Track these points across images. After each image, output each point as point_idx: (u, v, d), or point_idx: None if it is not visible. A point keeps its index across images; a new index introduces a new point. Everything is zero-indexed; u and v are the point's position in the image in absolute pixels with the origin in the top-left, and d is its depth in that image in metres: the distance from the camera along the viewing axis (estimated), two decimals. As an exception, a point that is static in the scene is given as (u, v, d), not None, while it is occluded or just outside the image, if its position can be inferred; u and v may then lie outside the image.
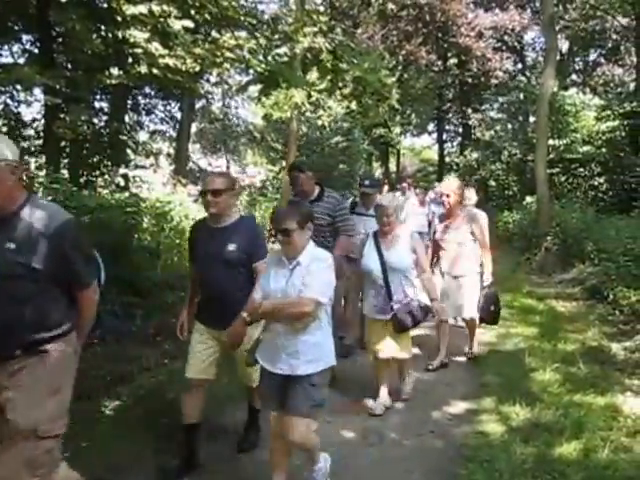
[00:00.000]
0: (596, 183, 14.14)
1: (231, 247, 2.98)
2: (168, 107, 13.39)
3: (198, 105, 16.25)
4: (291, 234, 2.59)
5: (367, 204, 5.21)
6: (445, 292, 4.83)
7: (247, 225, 3.12)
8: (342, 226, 4.37)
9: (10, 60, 7.68)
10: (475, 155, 19.06)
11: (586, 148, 14.52)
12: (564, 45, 21.33)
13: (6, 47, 7.65)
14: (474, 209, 5.52)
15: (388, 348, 3.88)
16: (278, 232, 2.62)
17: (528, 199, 13.75)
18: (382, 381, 4.08)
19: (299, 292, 2.58)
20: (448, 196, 4.83)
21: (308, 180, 4.30)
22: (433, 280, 4.04)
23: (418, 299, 3.82)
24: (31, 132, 7.49)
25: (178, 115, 13.79)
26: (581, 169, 14.51)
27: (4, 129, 6.70)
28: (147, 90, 11.12)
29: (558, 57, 17.08)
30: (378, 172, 30.71)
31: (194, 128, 17.10)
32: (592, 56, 22.55)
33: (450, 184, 4.98)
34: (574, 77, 21.81)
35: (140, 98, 11.37)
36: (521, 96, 17.03)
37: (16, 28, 6.94)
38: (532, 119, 16.83)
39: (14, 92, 7.16)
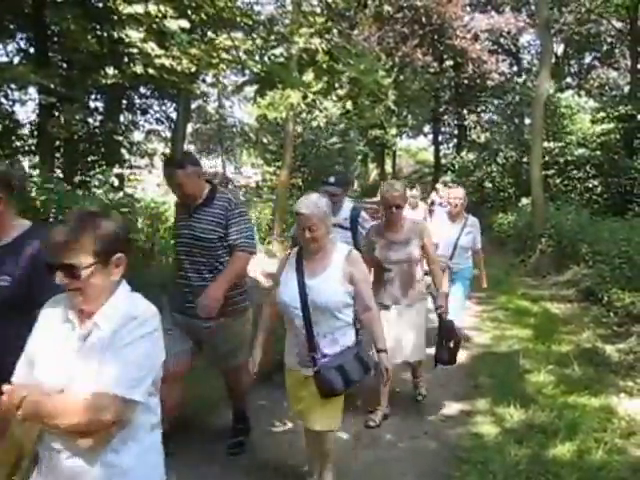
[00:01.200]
0: (591, 185, 14.19)
1: None
2: (163, 107, 13.34)
3: (194, 105, 16.22)
4: (81, 274, 1.49)
5: (333, 209, 4.29)
6: (392, 330, 3.58)
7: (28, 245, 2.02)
8: (237, 239, 3.03)
9: (5, 59, 7.66)
10: (471, 157, 19.10)
11: (581, 150, 14.57)
12: (559, 48, 21.43)
13: (1, 46, 7.62)
14: (418, 219, 5.07)
15: (311, 415, 2.72)
16: (58, 269, 1.50)
17: (524, 201, 13.78)
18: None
19: (93, 381, 1.47)
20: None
21: (190, 178, 3.02)
22: (381, 322, 2.81)
23: (357, 348, 2.69)
24: (25, 131, 7.44)
25: (173, 115, 13.75)
26: (576, 171, 14.56)
27: (-2, 128, 6.67)
28: (142, 90, 11.08)
29: (553, 60, 17.15)
30: (374, 173, 30.78)
31: (189, 128, 17.06)
32: (587, 59, 22.69)
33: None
34: (569, 80, 21.89)
35: (135, 98, 11.33)
36: (517, 98, 17.08)
37: (11, 27, 6.90)
38: (527, 121, 16.89)
39: (8, 91, 7.11)
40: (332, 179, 4.12)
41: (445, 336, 3.88)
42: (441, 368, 4.13)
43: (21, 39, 7.61)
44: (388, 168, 32.24)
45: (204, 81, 11.92)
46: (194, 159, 3.18)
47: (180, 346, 3.02)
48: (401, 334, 3.72)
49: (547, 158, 13.73)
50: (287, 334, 2.79)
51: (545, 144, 13.17)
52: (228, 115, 20.47)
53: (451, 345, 3.90)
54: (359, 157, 18.96)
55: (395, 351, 3.54)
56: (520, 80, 18.84)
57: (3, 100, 7.11)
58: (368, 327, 2.72)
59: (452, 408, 4.15)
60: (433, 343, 3.97)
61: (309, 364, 2.61)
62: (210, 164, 19.97)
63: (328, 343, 2.63)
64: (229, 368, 3.28)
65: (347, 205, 4.15)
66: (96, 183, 7.96)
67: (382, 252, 3.74)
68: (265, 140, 15.65)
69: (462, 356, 5.40)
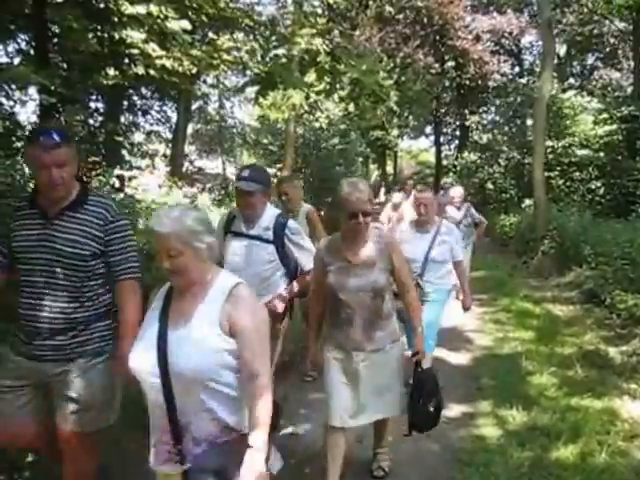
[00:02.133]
0: (593, 187, 14.15)
1: None
2: (164, 108, 13.37)
3: (194, 106, 16.24)
4: None
5: (247, 214, 3.15)
6: (353, 389, 2.82)
7: None
8: (121, 264, 2.30)
9: (5, 59, 7.66)
10: (473, 158, 19.09)
11: (584, 151, 14.54)
12: (562, 49, 21.39)
13: (1, 46, 7.61)
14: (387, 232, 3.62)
15: None
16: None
17: (526, 202, 13.75)
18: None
19: None
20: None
21: (69, 164, 2.17)
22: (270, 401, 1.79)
23: (240, 429, 1.82)
24: (26, 132, 7.43)
25: (174, 116, 13.77)
26: (578, 172, 14.53)
27: (-2, 129, 6.65)
28: (143, 91, 11.08)
29: (556, 61, 17.12)
30: (375, 174, 30.77)
31: (190, 129, 17.07)
32: (590, 60, 22.64)
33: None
34: (572, 80, 21.86)
35: (136, 99, 11.34)
36: (519, 99, 17.05)
37: (11, 27, 6.88)
38: (529, 122, 16.85)
39: (9, 91, 7.11)
40: (246, 172, 3.12)
41: (424, 394, 2.87)
42: (442, 370, 4.09)
43: (21, 39, 7.61)
44: (389, 169, 32.23)
45: (205, 82, 11.94)
46: (68, 136, 2.22)
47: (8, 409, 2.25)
48: (366, 393, 2.80)
49: (549, 159, 13.70)
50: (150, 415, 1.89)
51: (548, 143, 13.14)
52: (228, 116, 20.50)
53: (431, 408, 2.86)
54: (360, 159, 18.91)
55: (357, 412, 2.82)
56: (523, 81, 18.81)
57: (3, 101, 7.10)
58: (254, 409, 1.75)
59: (454, 410, 4.12)
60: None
61: (175, 458, 1.80)
62: (210, 165, 19.95)
63: (202, 427, 1.79)
64: (74, 431, 2.25)
65: (270, 212, 3.21)
66: (96, 184, 7.96)
67: (338, 278, 2.72)
68: (265, 141, 15.64)
69: (464, 358, 5.41)
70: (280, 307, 3.20)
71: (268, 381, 1.78)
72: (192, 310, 1.82)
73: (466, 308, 4.47)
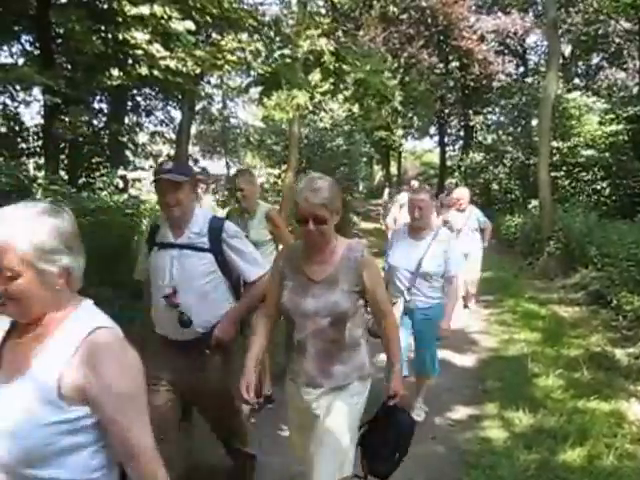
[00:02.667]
0: (599, 187, 14.04)
1: None
2: (167, 108, 13.38)
3: (198, 107, 16.24)
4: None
5: (174, 217, 2.50)
6: (305, 433, 2.32)
7: None
8: None
9: (10, 60, 7.68)
10: (478, 158, 19.01)
11: (589, 152, 14.43)
12: (567, 49, 21.29)
13: (5, 47, 7.64)
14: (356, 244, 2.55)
15: None
16: None
17: (533, 202, 13.69)
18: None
19: None
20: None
21: None
22: None
23: None
24: (30, 133, 7.46)
25: (178, 116, 13.78)
26: (584, 173, 14.41)
27: (3, 129, 6.67)
28: (147, 91, 11.09)
29: (561, 61, 17.03)
30: (379, 175, 30.72)
31: (193, 130, 17.08)
32: (595, 60, 22.52)
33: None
34: (577, 81, 21.76)
35: (140, 99, 11.35)
36: (524, 99, 16.98)
37: (16, 28, 6.92)
38: (534, 122, 16.76)
39: (13, 92, 7.13)
40: (169, 165, 2.51)
41: (397, 441, 2.36)
42: (447, 372, 4.06)
43: (26, 40, 7.64)
44: (393, 170, 32.18)
45: (209, 82, 11.94)
46: None
47: None
48: (317, 442, 2.19)
49: (555, 160, 13.62)
50: None
51: (553, 144, 13.07)
52: (232, 116, 20.49)
53: (397, 456, 2.37)
54: (364, 159, 18.87)
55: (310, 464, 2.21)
56: (528, 81, 18.73)
57: (8, 102, 7.13)
58: None
59: (460, 412, 4.11)
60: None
61: None
62: (214, 166, 19.96)
63: None
64: None
65: (202, 214, 2.59)
66: (100, 185, 7.98)
67: (292, 297, 2.21)
68: (269, 141, 15.61)
69: (470, 360, 5.39)
70: (231, 333, 2.55)
71: (154, 459, 1.29)
72: (24, 361, 1.25)
73: (443, 331, 3.71)
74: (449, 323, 3.72)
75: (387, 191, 18.17)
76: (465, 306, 7.14)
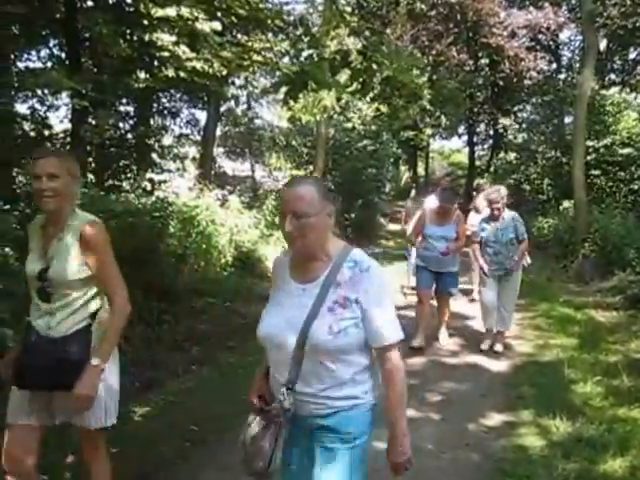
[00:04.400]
0: (637, 187, 13.55)
1: None
2: (193, 110, 13.43)
3: (223, 108, 16.26)
4: None
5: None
6: None
7: None
8: None
9: (38, 65, 7.76)
10: (509, 157, 18.58)
11: (626, 150, 13.91)
12: (602, 43, 20.61)
13: (34, 52, 7.72)
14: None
15: None
16: None
17: (565, 204, 13.29)
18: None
19: None
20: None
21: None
22: None
23: None
24: (58, 136, 7.53)
25: (203, 118, 13.82)
26: (621, 172, 13.91)
27: (32, 133, 6.73)
28: (172, 93, 11.14)
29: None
30: (406, 176, 30.38)
31: (219, 131, 17.11)
32: (632, 54, 21.75)
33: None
34: (613, 76, 21.08)
35: (165, 102, 11.40)
36: (557, 97, 16.51)
37: (43, 33, 6.98)
38: (567, 120, 16.27)
39: (42, 96, 7.19)
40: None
41: None
42: (481, 377, 3.99)
43: (53, 44, 7.71)
44: (420, 171, 31.76)
45: (234, 83, 11.92)
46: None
47: None
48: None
49: (590, 158, 13.16)
50: None
51: (588, 143, 12.64)
52: (257, 117, 20.46)
53: None
54: (391, 159, 18.61)
55: None
56: (561, 77, 18.21)
57: (37, 106, 7.19)
58: None
59: (494, 419, 3.98)
60: None
61: None
62: (240, 168, 19.96)
63: None
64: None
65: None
66: (127, 187, 8.00)
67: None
68: (295, 143, 15.52)
69: (503, 365, 5.23)
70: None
71: None
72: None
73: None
74: None
75: (413, 192, 17.91)
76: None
